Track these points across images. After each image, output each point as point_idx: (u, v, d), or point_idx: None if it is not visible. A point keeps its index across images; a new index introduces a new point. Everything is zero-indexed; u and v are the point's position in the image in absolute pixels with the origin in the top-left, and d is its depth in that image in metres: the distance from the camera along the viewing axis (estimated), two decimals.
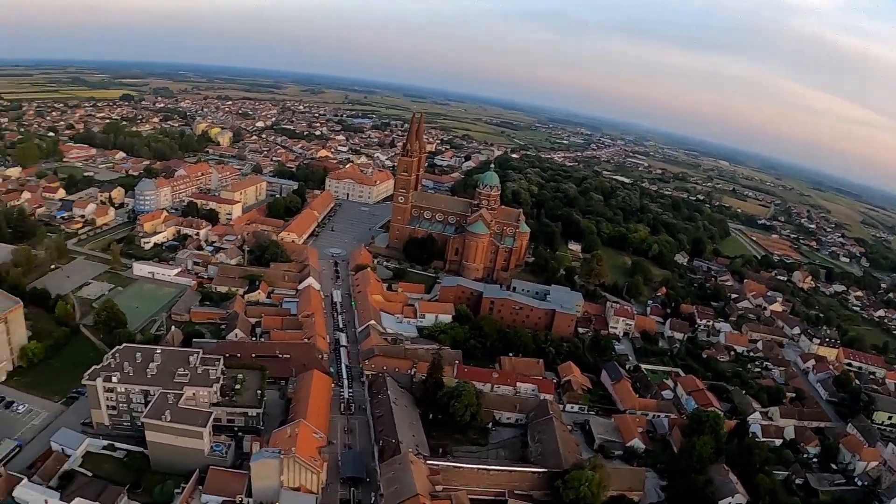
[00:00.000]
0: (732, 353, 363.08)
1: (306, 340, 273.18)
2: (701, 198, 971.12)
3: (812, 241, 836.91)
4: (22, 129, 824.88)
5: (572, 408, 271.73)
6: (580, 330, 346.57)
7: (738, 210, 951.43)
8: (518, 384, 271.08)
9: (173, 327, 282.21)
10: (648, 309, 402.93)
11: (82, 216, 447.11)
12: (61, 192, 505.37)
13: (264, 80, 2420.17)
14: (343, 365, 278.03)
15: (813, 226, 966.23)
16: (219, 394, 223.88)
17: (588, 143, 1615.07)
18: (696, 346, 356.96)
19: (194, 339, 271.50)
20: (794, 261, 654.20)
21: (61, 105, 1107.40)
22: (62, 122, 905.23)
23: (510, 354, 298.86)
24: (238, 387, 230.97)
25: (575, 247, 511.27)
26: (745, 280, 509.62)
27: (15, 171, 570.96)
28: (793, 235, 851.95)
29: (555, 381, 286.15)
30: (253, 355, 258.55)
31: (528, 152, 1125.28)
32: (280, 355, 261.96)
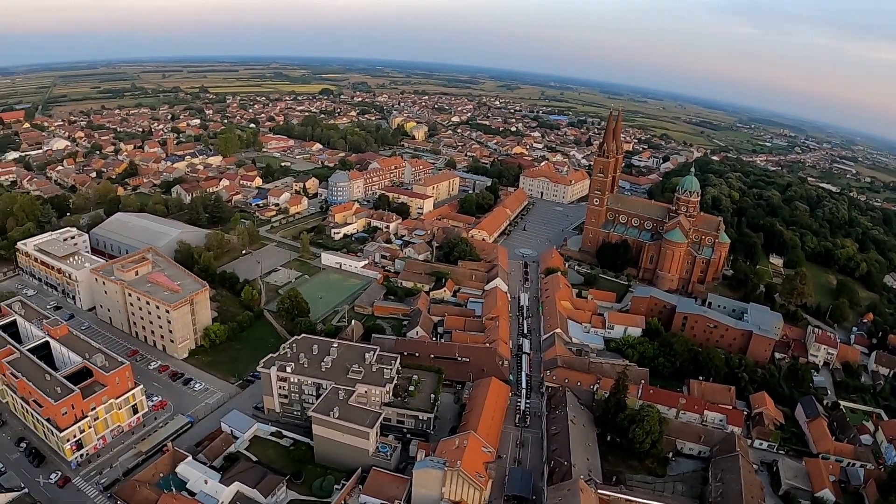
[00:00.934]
0: None
1: (487, 345, 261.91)
2: None
3: None
4: (225, 121, 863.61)
5: (761, 444, 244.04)
6: (777, 355, 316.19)
7: None
8: (705, 412, 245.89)
9: (354, 320, 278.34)
10: (852, 337, 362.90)
11: (276, 204, 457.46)
12: (258, 181, 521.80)
13: (461, 76, 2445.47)
14: (524, 373, 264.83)
15: None
16: (391, 394, 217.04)
17: (792, 145, 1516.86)
18: None
19: (374, 335, 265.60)
20: None
21: (263, 98, 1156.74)
22: (263, 115, 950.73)
23: (700, 378, 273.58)
24: (412, 388, 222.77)
25: (776, 261, 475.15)
26: None
27: (216, 160, 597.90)
28: None
29: (745, 412, 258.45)
30: (431, 355, 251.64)
31: (729, 154, 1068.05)
32: (459, 358, 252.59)
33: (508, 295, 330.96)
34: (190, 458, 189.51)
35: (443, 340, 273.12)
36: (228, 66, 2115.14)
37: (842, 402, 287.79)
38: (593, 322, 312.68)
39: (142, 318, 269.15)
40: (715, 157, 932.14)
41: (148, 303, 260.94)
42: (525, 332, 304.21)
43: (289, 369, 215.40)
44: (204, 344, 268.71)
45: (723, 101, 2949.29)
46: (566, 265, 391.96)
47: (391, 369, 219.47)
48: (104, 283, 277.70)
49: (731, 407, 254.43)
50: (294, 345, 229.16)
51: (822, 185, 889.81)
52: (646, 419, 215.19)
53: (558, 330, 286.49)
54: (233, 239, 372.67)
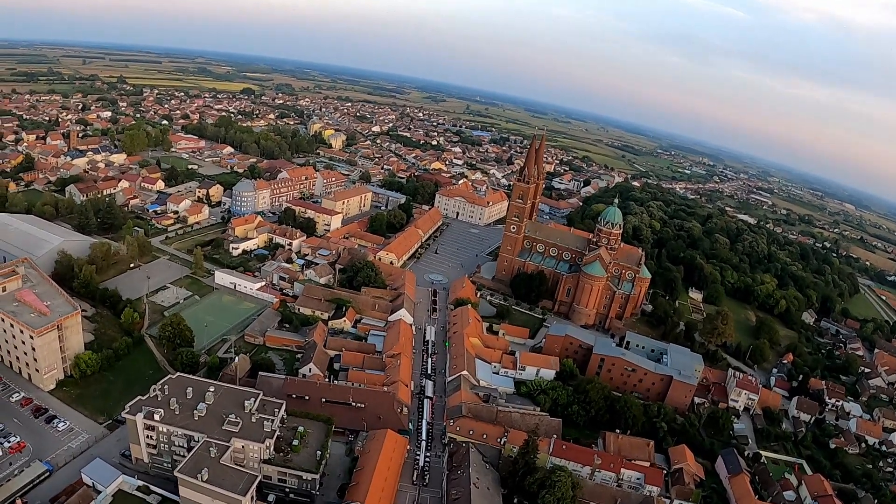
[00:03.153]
0: (864, 444, 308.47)
1: (385, 389, 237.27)
2: (828, 245, 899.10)
3: None
4: (138, 116, 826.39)
5: None
6: (696, 400, 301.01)
7: (867, 263, 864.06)
8: (622, 470, 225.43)
9: (237, 358, 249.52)
10: (773, 380, 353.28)
11: (175, 212, 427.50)
12: (160, 184, 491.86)
13: (387, 84, 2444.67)
14: (424, 421, 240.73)
15: None
16: (273, 449, 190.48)
17: (711, 174, 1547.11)
18: (824, 433, 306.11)
19: (261, 373, 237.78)
20: None
21: (181, 94, 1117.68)
22: (178, 112, 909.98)
23: (617, 431, 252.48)
24: (296, 442, 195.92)
25: (696, 295, 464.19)
26: (877, 350, 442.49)
27: (120, 158, 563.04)
28: None
29: (664, 470, 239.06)
30: (323, 399, 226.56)
31: (649, 180, 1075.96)
32: (354, 403, 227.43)
33: (413, 328, 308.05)
34: None
35: (336, 382, 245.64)
36: (153, 56, 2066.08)
37: (763, 453, 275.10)
38: (504, 362, 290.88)
39: (6, 342, 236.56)
40: (636, 183, 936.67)
41: (12, 325, 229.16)
42: (429, 371, 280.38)
43: (157, 416, 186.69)
44: (74, 374, 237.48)
45: (645, 126, 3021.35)
46: (478, 295, 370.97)
47: (274, 420, 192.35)
48: None
49: (649, 464, 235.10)
50: (166, 386, 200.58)
51: (740, 216, 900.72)
52: (557, 484, 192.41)
53: (465, 372, 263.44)
54: (121, 250, 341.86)
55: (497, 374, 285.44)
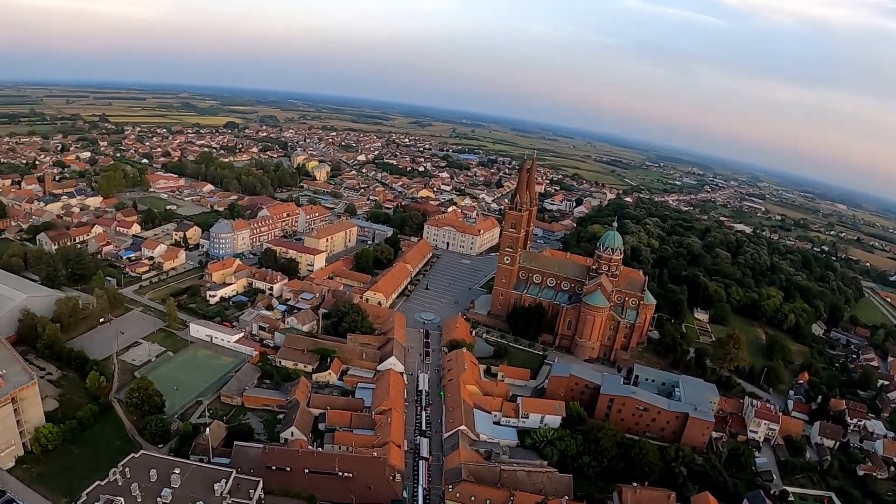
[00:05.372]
0: (892, 467, 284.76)
1: (375, 454, 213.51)
2: (826, 249, 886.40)
3: None
4: (118, 155, 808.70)
5: None
6: (713, 434, 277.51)
7: (867, 264, 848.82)
8: None
9: (214, 421, 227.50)
10: (790, 403, 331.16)
11: (150, 258, 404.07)
12: (136, 228, 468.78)
13: (372, 111, 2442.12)
14: (420, 487, 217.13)
15: None
16: None
17: (701, 184, 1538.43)
18: (850, 459, 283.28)
19: (236, 443, 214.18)
20: None
21: (163, 130, 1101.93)
22: (159, 149, 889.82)
23: (634, 484, 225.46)
24: None
25: (702, 316, 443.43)
26: (891, 358, 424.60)
27: (95, 201, 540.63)
28: None
29: None
30: (306, 470, 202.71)
31: (642, 195, 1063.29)
32: (340, 473, 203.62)
33: (405, 376, 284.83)
34: None
35: (319, 449, 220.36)
36: (136, 93, 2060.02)
37: (790, 489, 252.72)
38: (505, 410, 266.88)
39: None
40: (628, 199, 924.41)
41: None
42: (424, 427, 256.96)
43: None
44: (34, 450, 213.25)
45: (631, 139, 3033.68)
46: (473, 334, 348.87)
47: None
48: None
49: None
50: (127, 469, 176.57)
51: (736, 226, 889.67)
52: None
53: (463, 427, 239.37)
54: (91, 303, 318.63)
55: (498, 423, 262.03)
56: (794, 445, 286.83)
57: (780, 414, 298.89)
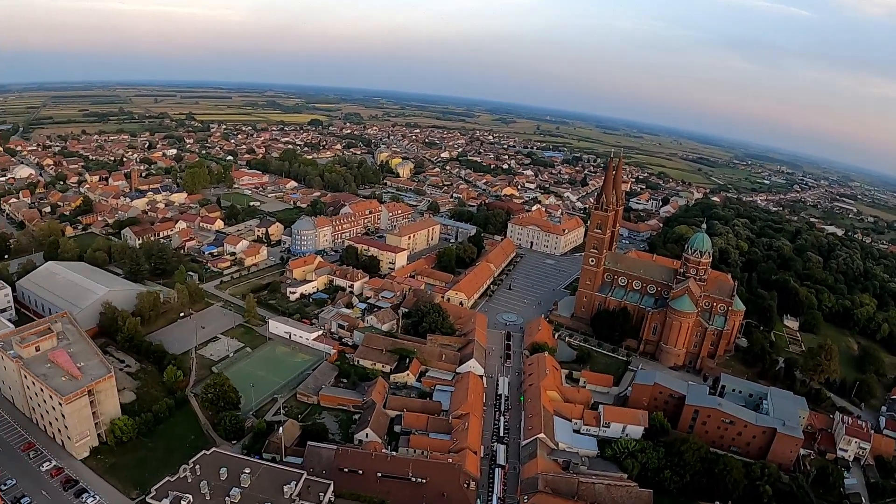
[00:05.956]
0: None
1: (450, 460, 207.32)
2: None
3: None
4: (203, 152, 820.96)
5: None
6: (801, 451, 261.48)
7: None
8: None
9: (288, 419, 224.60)
10: (882, 420, 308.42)
11: (232, 254, 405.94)
12: (219, 224, 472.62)
13: (456, 108, 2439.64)
14: (495, 497, 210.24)
15: None
16: None
17: (790, 183, 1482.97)
18: None
19: (309, 443, 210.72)
20: None
21: (248, 128, 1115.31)
22: (244, 146, 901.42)
23: (717, 503, 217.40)
24: None
25: (791, 323, 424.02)
26: None
27: (180, 197, 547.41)
28: None
29: None
30: (378, 474, 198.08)
31: (729, 194, 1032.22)
32: (413, 479, 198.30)
33: (484, 379, 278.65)
34: None
35: (393, 453, 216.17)
36: (223, 92, 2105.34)
37: None
38: (586, 418, 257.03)
39: (40, 405, 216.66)
40: (715, 198, 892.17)
41: (42, 390, 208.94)
42: (502, 433, 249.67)
43: (185, 503, 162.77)
44: (109, 441, 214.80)
45: (717, 136, 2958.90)
46: (556, 337, 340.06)
47: None
48: (2, 357, 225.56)
49: None
50: (197, 466, 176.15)
51: (827, 227, 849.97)
52: None
53: (541, 435, 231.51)
54: (172, 297, 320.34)
55: (578, 432, 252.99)
56: (885, 467, 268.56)
57: (872, 432, 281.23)
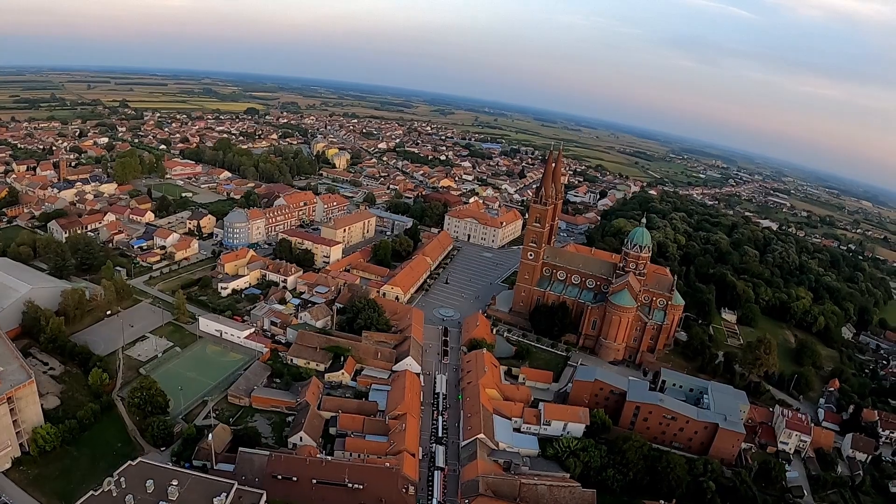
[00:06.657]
0: None
1: (387, 464, 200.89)
2: (853, 247, 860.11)
3: None
4: (136, 141, 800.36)
5: None
6: (742, 444, 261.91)
7: (895, 264, 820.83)
8: None
9: (218, 425, 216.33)
10: (821, 413, 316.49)
11: (162, 247, 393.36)
12: (149, 216, 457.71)
13: (395, 99, 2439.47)
14: (435, 501, 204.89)
15: None
16: None
17: (726, 177, 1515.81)
18: (883, 474, 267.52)
19: (241, 449, 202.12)
20: None
21: (183, 116, 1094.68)
22: (177, 135, 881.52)
23: (661, 502, 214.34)
24: None
25: (729, 316, 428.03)
26: None
27: (110, 188, 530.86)
28: None
29: None
30: (314, 480, 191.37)
31: (666, 187, 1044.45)
32: (350, 485, 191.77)
33: (422, 378, 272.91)
34: None
35: (328, 457, 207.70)
36: (159, 78, 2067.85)
37: None
38: (526, 416, 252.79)
39: None
40: (652, 192, 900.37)
41: None
42: (440, 433, 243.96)
43: None
44: (32, 451, 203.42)
45: (655, 131, 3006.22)
46: (494, 332, 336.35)
47: None
48: None
49: None
50: (122, 478, 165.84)
51: (762, 221, 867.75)
52: None
53: (481, 435, 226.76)
54: (98, 294, 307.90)
55: (519, 431, 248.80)
56: (825, 459, 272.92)
57: (812, 425, 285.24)
